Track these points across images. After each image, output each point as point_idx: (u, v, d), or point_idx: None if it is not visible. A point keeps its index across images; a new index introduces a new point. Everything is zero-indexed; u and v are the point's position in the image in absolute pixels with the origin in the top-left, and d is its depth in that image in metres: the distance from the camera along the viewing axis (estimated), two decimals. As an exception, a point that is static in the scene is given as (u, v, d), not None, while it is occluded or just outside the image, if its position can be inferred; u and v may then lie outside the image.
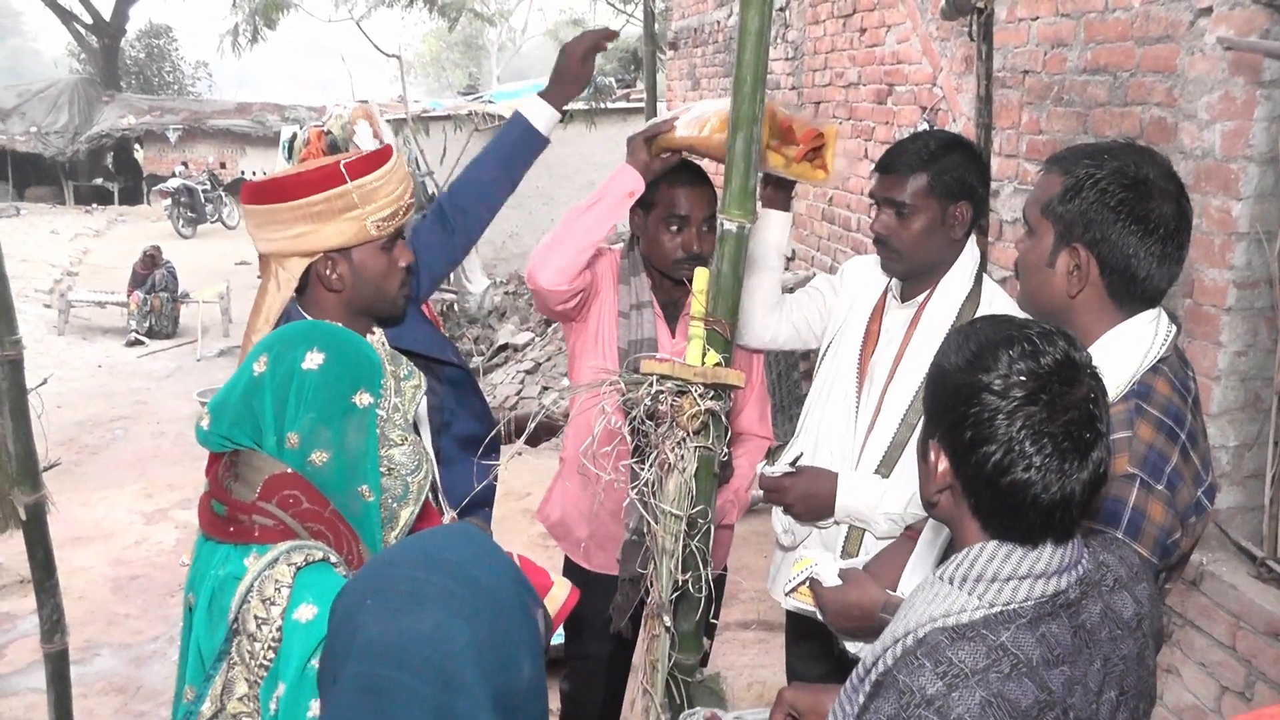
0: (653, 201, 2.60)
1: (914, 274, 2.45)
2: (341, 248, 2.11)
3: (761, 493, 2.56)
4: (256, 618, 1.51)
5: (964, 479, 1.32)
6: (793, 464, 2.46)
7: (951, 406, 1.31)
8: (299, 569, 1.53)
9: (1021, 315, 1.45)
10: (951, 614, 1.30)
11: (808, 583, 2.00)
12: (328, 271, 2.13)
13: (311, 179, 2.08)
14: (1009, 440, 1.25)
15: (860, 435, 2.45)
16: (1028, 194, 1.87)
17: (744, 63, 1.70)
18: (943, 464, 1.34)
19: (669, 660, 1.98)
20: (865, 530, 2.41)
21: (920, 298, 2.46)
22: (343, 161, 2.07)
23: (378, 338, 2.29)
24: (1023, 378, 1.26)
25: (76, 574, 5.22)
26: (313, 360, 1.62)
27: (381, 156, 2.12)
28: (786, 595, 2.08)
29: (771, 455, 2.68)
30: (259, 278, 2.31)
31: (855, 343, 2.53)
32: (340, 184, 2.05)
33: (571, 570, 2.93)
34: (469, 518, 2.42)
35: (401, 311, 2.26)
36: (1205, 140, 3.23)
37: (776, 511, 2.55)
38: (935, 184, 2.36)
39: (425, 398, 2.15)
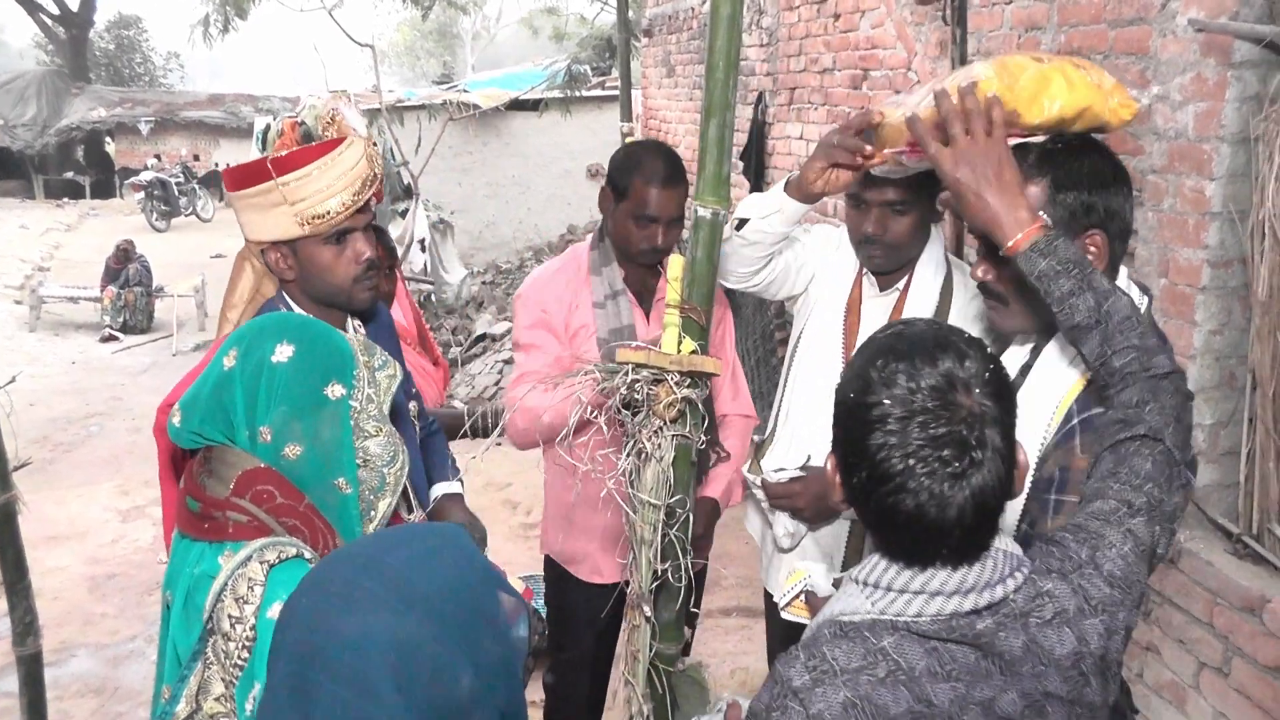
0: (626, 191, 2.60)
1: (898, 266, 2.44)
2: (280, 241, 2.10)
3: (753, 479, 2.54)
4: (230, 617, 1.49)
5: (848, 495, 1.30)
6: (802, 467, 2.42)
7: (836, 423, 1.30)
8: (272, 566, 1.52)
9: (929, 321, 1.44)
10: (846, 613, 1.28)
11: (803, 596, 1.99)
12: (276, 261, 2.13)
13: (245, 172, 2.08)
14: (875, 462, 1.22)
15: None
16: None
17: (716, 49, 1.69)
18: (836, 477, 1.32)
19: (650, 650, 1.98)
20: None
21: (900, 284, 2.45)
22: (269, 158, 2.04)
23: (353, 333, 2.27)
24: (887, 402, 1.23)
25: (51, 574, 5.17)
26: (282, 353, 1.60)
27: (315, 152, 2.07)
28: (783, 610, 2.07)
29: (757, 452, 2.66)
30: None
31: (835, 335, 2.50)
32: (265, 180, 2.03)
33: (552, 568, 2.93)
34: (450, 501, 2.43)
35: (362, 305, 2.21)
36: (1178, 121, 3.24)
37: (780, 515, 2.52)
38: (924, 178, 2.35)
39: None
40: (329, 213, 2.05)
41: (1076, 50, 3.82)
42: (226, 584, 1.51)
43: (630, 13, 9.36)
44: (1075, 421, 1.67)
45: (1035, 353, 1.80)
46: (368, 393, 1.67)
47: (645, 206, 2.57)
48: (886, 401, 1.22)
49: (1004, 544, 1.30)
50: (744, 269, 2.46)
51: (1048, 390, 1.73)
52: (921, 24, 5.07)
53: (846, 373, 1.32)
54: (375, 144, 2.21)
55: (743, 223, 2.35)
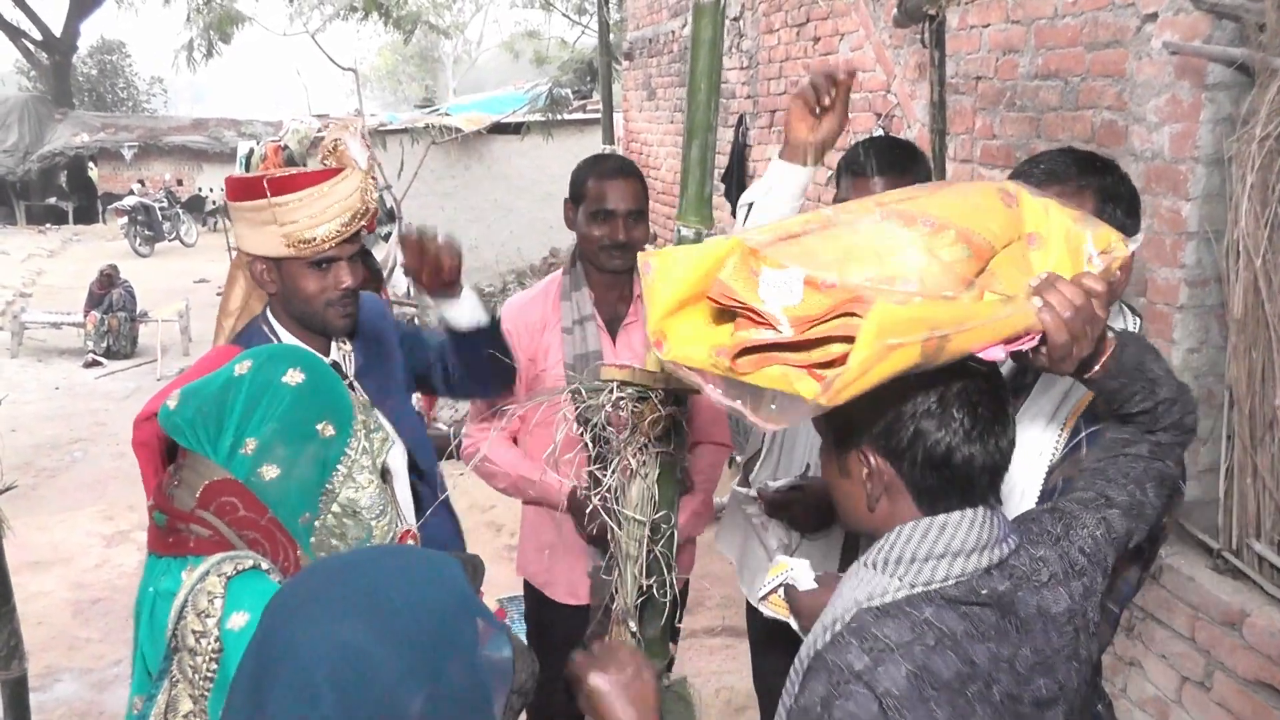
0: (583, 195, 2.69)
1: None
2: (267, 256, 2.14)
3: (729, 500, 2.55)
4: (194, 632, 1.52)
5: (909, 470, 1.35)
6: (800, 477, 2.43)
7: (877, 411, 1.34)
8: (229, 579, 1.54)
9: None
10: (875, 596, 1.33)
11: (781, 590, 1.99)
12: (261, 273, 2.19)
13: (243, 185, 2.13)
14: (948, 421, 1.31)
15: None
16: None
17: (698, 71, 1.72)
18: (883, 466, 1.37)
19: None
20: None
21: None
22: (267, 176, 2.09)
23: (347, 365, 2.29)
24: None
25: (35, 599, 5.14)
26: (293, 377, 1.66)
27: (311, 178, 2.12)
28: (760, 601, 2.06)
29: (747, 467, 2.67)
30: (218, 294, 2.33)
31: None
32: (260, 197, 2.09)
33: (530, 591, 2.94)
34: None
35: (337, 331, 2.26)
36: (1154, 142, 3.29)
37: (773, 526, 2.52)
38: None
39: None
40: (315, 239, 2.11)
41: (1054, 72, 3.87)
42: (187, 600, 1.54)
43: (611, 37, 9.42)
44: (1083, 435, 1.71)
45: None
46: (364, 444, 1.71)
47: (602, 200, 2.65)
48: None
49: (996, 507, 1.41)
50: None
51: (1053, 406, 1.77)
52: (900, 47, 5.13)
53: None
54: (374, 177, 2.25)
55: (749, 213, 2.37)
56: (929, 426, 1.32)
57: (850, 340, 1.16)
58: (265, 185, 2.07)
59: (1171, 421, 1.52)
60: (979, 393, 1.34)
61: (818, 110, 2.12)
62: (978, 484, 1.35)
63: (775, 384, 1.23)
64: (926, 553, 1.33)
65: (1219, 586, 3.03)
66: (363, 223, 2.18)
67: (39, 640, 4.64)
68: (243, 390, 1.63)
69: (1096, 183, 1.74)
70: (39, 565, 5.65)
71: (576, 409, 1.79)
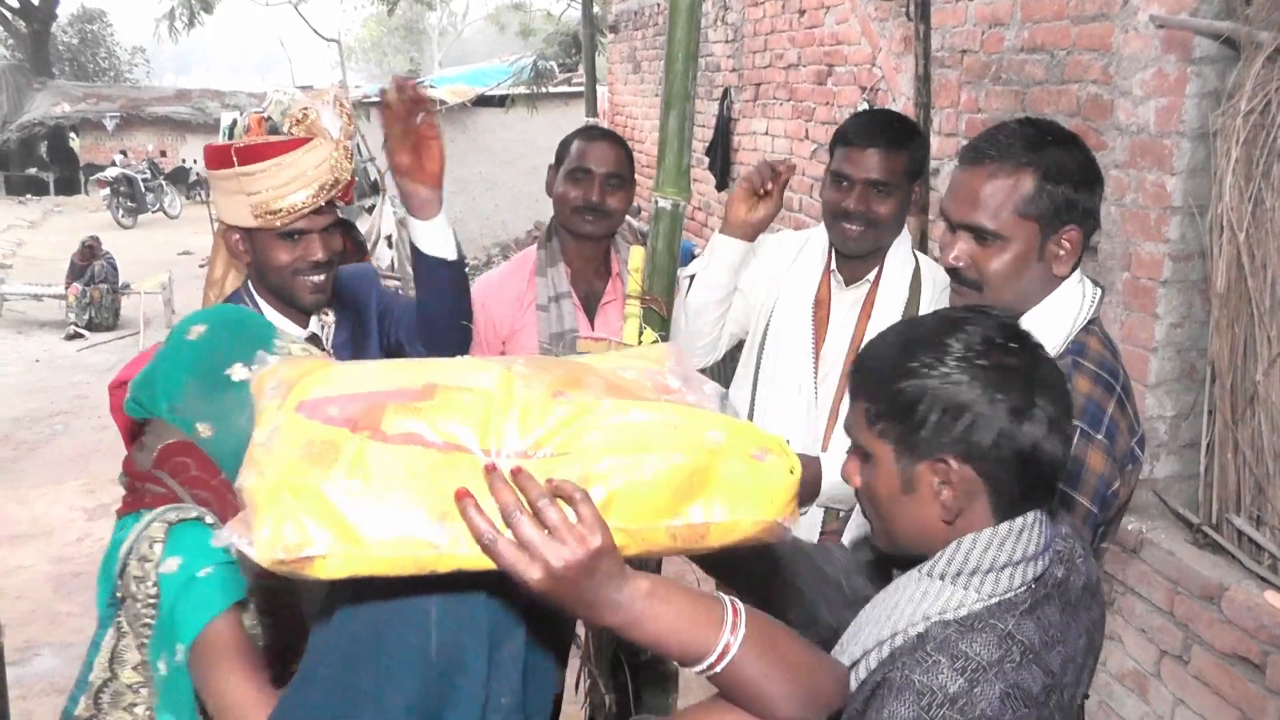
0: (564, 157, 2.69)
1: (875, 250, 2.44)
2: (239, 226, 2.13)
3: None
4: (135, 578, 1.54)
5: (994, 471, 1.26)
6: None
7: (952, 416, 1.25)
8: (171, 525, 1.56)
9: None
10: (949, 609, 1.26)
11: None
12: (234, 243, 2.17)
13: (215, 154, 2.10)
14: (1034, 414, 1.24)
15: (822, 422, 2.44)
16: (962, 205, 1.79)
17: (675, 40, 1.71)
18: (965, 472, 1.26)
19: (614, 642, 1.98)
20: (839, 510, 2.39)
21: (870, 276, 2.45)
22: (235, 145, 2.07)
23: (320, 329, 2.26)
24: (1002, 355, 1.26)
25: (15, 573, 5.11)
26: (195, 333, 1.67)
27: (277, 148, 2.07)
28: None
29: None
30: (201, 267, 2.30)
31: (805, 330, 2.49)
32: (228, 166, 2.06)
33: None
34: None
35: (307, 305, 2.19)
36: (1140, 116, 3.27)
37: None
38: (910, 163, 2.37)
39: None
40: (282, 210, 2.06)
41: (1040, 45, 3.85)
42: (132, 548, 1.55)
43: (596, 9, 9.36)
44: None
45: None
46: None
47: (581, 160, 2.64)
48: (1000, 355, 1.26)
49: None
50: (705, 339, 2.49)
51: None
52: (885, 20, 5.10)
53: (918, 370, 1.27)
54: (347, 147, 2.18)
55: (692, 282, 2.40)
56: (1014, 423, 1.23)
57: None
58: (233, 154, 2.04)
59: None
60: (1055, 382, 1.27)
61: (761, 193, 2.28)
62: (1053, 481, 1.29)
63: None
64: (1005, 560, 1.26)
65: (1198, 561, 3.04)
66: (334, 194, 2.11)
67: (19, 614, 4.62)
68: (160, 359, 1.67)
69: (1037, 166, 1.71)
70: (19, 539, 5.62)
71: None
